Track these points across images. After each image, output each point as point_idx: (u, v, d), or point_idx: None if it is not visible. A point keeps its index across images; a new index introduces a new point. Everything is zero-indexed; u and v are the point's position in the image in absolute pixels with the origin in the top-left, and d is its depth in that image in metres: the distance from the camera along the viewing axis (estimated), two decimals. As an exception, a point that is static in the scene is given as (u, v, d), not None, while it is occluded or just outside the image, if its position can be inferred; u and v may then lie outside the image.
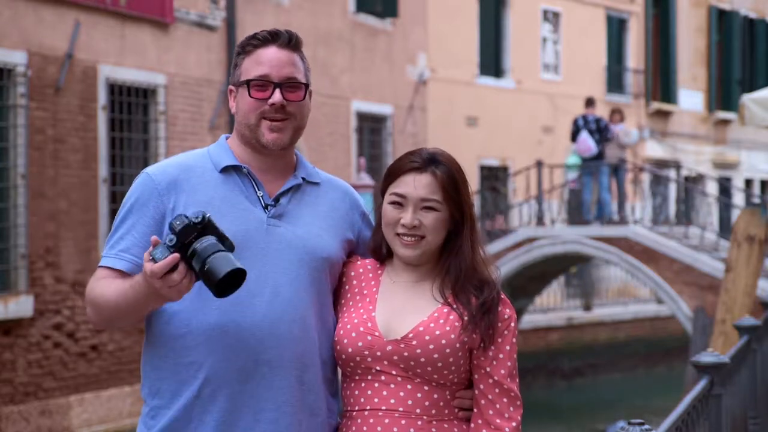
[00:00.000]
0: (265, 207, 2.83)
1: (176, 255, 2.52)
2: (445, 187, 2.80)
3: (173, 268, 2.52)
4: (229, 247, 2.56)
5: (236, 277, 2.52)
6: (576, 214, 18.96)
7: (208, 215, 2.56)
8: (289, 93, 2.82)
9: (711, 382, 4.39)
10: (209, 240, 2.53)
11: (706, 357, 4.53)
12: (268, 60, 2.82)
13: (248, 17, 15.95)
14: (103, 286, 2.73)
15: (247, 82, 2.81)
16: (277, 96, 2.80)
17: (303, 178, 2.90)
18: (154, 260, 2.53)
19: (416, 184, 2.80)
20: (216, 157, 2.87)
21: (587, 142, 17.71)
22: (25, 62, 12.39)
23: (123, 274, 2.75)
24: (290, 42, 2.85)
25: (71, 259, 12.94)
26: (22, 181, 12.37)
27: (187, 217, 2.54)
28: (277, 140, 2.82)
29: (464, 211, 2.84)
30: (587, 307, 22.43)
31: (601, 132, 17.77)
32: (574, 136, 18.04)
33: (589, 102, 18.16)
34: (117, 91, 13.79)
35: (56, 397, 12.66)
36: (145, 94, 14.25)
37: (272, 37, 2.84)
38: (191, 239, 2.54)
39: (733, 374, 5.23)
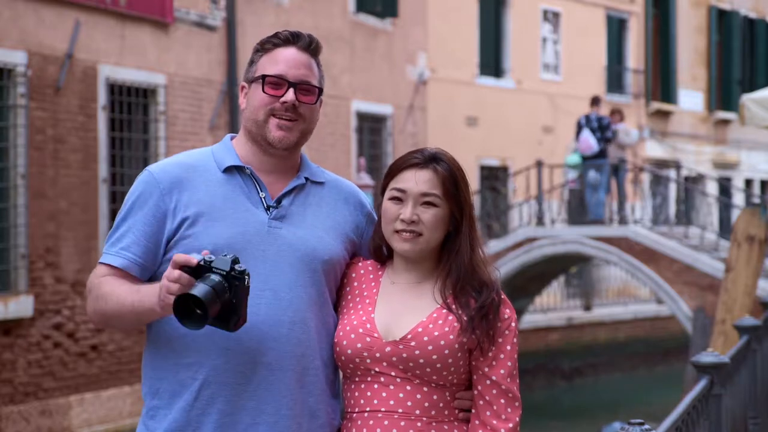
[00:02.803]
0: (267, 208, 2.82)
1: (194, 260, 2.56)
2: (446, 184, 2.80)
3: (182, 267, 2.56)
4: (237, 311, 2.57)
5: (196, 304, 2.52)
6: (576, 214, 18.96)
7: (248, 278, 2.58)
8: (302, 95, 2.83)
9: (711, 382, 4.38)
10: (222, 281, 2.55)
11: (706, 357, 4.53)
12: (286, 60, 2.83)
13: (248, 17, 15.95)
14: (113, 286, 2.73)
15: (263, 78, 2.81)
16: (290, 95, 2.80)
17: (306, 178, 2.89)
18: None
19: (417, 180, 2.80)
20: (219, 157, 2.86)
21: (588, 141, 17.71)
22: (25, 62, 12.39)
23: (122, 272, 2.76)
24: (310, 46, 2.88)
25: (71, 259, 12.94)
26: (22, 181, 12.37)
27: (237, 260, 2.58)
28: (283, 139, 2.81)
29: (464, 211, 2.83)
30: (587, 307, 22.43)
31: (603, 130, 17.76)
32: (578, 136, 18.06)
33: (595, 101, 18.15)
34: (117, 91, 13.79)
35: (56, 397, 12.66)
36: (145, 94, 14.25)
37: (293, 39, 2.86)
38: (220, 271, 2.56)
39: (733, 374, 5.23)
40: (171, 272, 2.57)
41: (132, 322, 2.76)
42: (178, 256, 2.58)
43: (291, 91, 2.81)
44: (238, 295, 2.58)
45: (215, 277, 2.56)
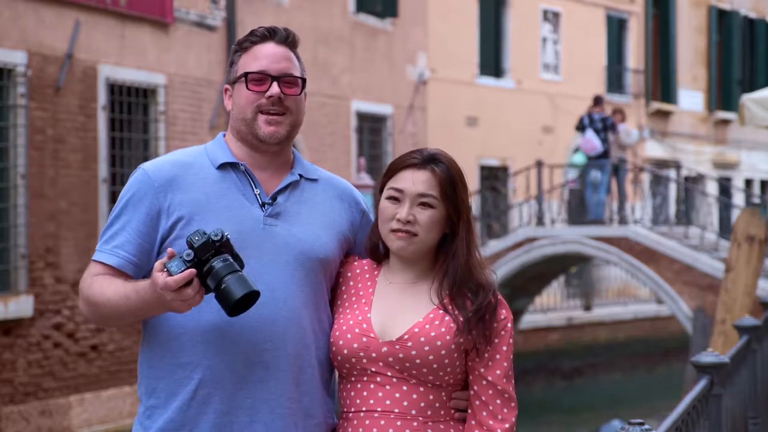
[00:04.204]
0: (262, 205, 2.81)
1: (193, 270, 2.54)
2: (443, 185, 2.80)
3: (188, 283, 2.54)
4: (241, 265, 2.59)
5: (248, 300, 2.55)
6: (576, 214, 18.95)
7: (227, 234, 2.58)
8: (286, 87, 2.82)
9: (711, 382, 4.38)
10: (225, 259, 2.56)
11: (706, 357, 4.53)
12: (265, 55, 2.82)
13: (248, 17, 15.96)
14: (103, 285, 2.72)
15: (245, 75, 2.81)
16: (274, 88, 2.80)
17: (300, 175, 2.89)
18: (169, 273, 2.54)
19: (414, 180, 2.79)
20: (213, 154, 2.85)
21: (593, 141, 17.69)
22: (25, 62, 12.39)
23: (116, 270, 2.75)
24: (287, 39, 2.86)
25: (71, 259, 12.94)
26: (22, 181, 12.37)
27: (206, 234, 2.56)
28: (274, 133, 2.81)
29: (461, 213, 2.83)
30: (587, 307, 22.42)
31: (607, 131, 17.74)
32: (579, 128, 17.98)
33: (597, 101, 18.08)
34: (117, 91, 13.79)
35: (56, 397, 12.66)
36: (145, 94, 14.25)
37: (270, 34, 2.85)
38: (208, 256, 2.55)
39: (733, 374, 5.23)
40: (184, 292, 2.54)
41: (129, 320, 2.75)
42: (171, 280, 2.52)
43: (275, 84, 2.80)
44: (226, 250, 2.59)
45: (220, 262, 2.55)
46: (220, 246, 2.56)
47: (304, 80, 2.87)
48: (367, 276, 2.89)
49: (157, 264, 2.56)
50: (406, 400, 2.75)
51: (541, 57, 24.42)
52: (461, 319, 2.76)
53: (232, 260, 2.56)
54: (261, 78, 2.80)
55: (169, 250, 2.58)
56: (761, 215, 9.80)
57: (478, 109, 22.55)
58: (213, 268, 2.54)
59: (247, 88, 2.81)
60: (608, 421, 14.90)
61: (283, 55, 2.84)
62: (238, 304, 2.54)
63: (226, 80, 2.91)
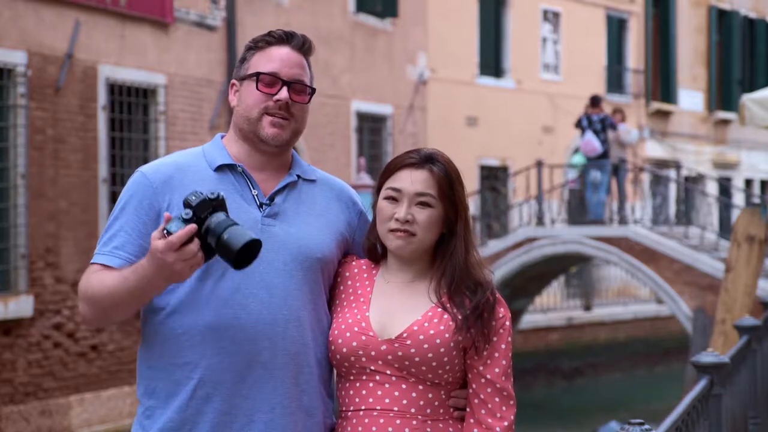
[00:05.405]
0: (260, 206, 2.82)
1: (194, 226, 2.53)
2: (441, 184, 2.81)
3: (189, 240, 2.53)
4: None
5: (251, 249, 2.54)
6: (576, 214, 18.95)
7: (222, 194, 2.59)
8: (295, 94, 2.83)
9: (711, 382, 4.38)
10: (222, 215, 2.56)
11: (706, 357, 4.53)
12: (280, 58, 2.84)
13: (248, 17, 15.96)
14: (101, 276, 2.72)
15: (257, 75, 2.82)
16: (284, 93, 2.81)
17: (298, 176, 2.90)
18: (168, 233, 2.54)
19: (412, 179, 2.80)
20: (210, 156, 2.86)
21: (592, 143, 17.65)
22: (25, 62, 12.39)
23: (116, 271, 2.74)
24: (303, 46, 2.88)
25: (71, 259, 12.94)
26: (22, 181, 12.38)
27: (202, 193, 2.57)
28: (277, 136, 2.82)
29: (459, 212, 2.84)
30: (587, 307, 22.43)
31: (606, 131, 17.69)
32: (578, 126, 17.93)
33: (594, 101, 17.97)
34: (117, 91, 13.80)
35: (56, 397, 12.66)
36: (145, 94, 14.25)
37: (287, 38, 2.87)
38: (206, 214, 2.56)
39: (733, 374, 5.23)
40: (186, 250, 2.52)
41: (129, 308, 2.73)
42: (174, 236, 2.51)
43: (285, 89, 2.82)
44: (222, 209, 2.59)
45: (217, 219, 2.55)
46: (216, 204, 2.57)
47: (313, 90, 2.88)
48: (365, 275, 2.89)
49: (155, 233, 2.56)
50: (405, 398, 2.76)
51: (541, 57, 24.42)
52: (460, 317, 2.77)
53: (228, 216, 2.57)
54: (272, 80, 2.82)
55: (166, 214, 2.57)
56: (761, 215, 9.81)
57: (478, 109, 22.55)
58: (211, 225, 2.54)
59: (257, 88, 2.82)
60: (606, 423, 14.89)
61: (297, 62, 2.85)
62: (242, 253, 2.53)
63: (234, 75, 2.91)
